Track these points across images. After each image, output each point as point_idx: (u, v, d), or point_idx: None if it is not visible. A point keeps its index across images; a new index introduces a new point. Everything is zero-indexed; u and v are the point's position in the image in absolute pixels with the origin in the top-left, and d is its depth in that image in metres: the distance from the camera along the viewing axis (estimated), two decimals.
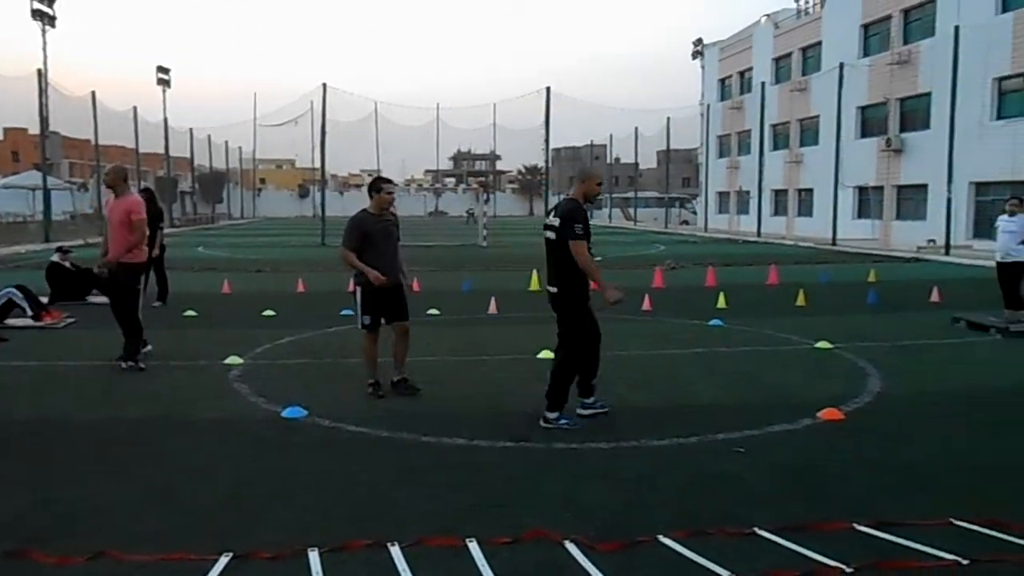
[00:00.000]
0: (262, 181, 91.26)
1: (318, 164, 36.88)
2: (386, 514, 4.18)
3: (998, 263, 10.22)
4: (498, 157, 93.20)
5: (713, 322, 10.72)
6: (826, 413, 6.02)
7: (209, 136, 61.55)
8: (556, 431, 5.62)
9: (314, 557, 3.61)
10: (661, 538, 3.80)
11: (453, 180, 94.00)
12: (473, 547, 3.71)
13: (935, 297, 12.92)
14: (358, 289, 6.55)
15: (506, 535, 3.83)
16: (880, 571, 3.45)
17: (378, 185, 6.70)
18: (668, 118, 48.40)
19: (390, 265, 6.53)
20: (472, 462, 5.04)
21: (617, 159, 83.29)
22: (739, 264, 21.06)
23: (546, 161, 39.49)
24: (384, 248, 6.53)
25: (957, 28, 25.33)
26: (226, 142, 66.90)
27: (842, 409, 6.17)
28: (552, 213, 5.93)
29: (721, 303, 12.30)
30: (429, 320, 11.30)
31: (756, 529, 3.90)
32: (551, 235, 5.79)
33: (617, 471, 4.84)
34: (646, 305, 12.36)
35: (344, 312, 11.73)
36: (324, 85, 32.93)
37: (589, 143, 73.46)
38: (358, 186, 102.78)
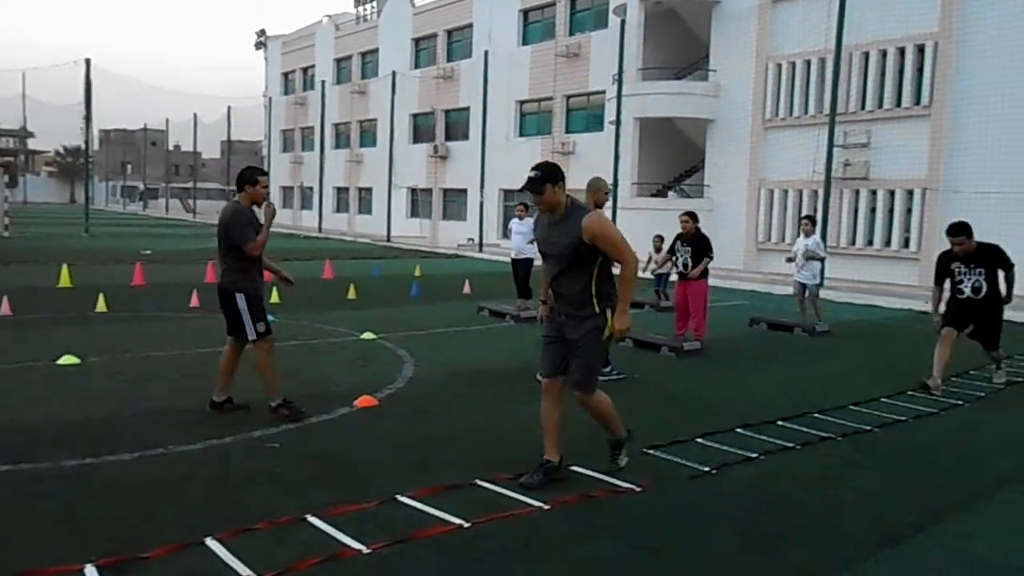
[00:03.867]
0: None
1: None
2: None
3: (512, 260, 11.91)
4: (30, 134, 79.87)
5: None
6: (362, 401, 6.34)
7: None
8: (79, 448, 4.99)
9: None
10: (175, 547, 3.60)
11: None
12: None
13: (467, 289, 14.54)
14: (242, 295, 5.75)
15: None
16: (394, 547, 3.72)
17: (253, 177, 5.82)
18: (229, 107, 46.53)
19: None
20: None
21: (177, 146, 77.32)
22: (298, 259, 21.11)
23: (86, 142, 34.78)
24: None
25: (487, 53, 28.91)
26: None
27: (377, 396, 6.56)
28: None
29: (275, 298, 12.21)
30: None
31: (286, 520, 3.93)
32: None
33: (135, 483, 4.46)
34: (193, 302, 11.71)
35: None
36: None
37: (143, 127, 67.12)
38: None
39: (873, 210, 20.41)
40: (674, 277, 10.49)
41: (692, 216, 9.42)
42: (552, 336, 4.66)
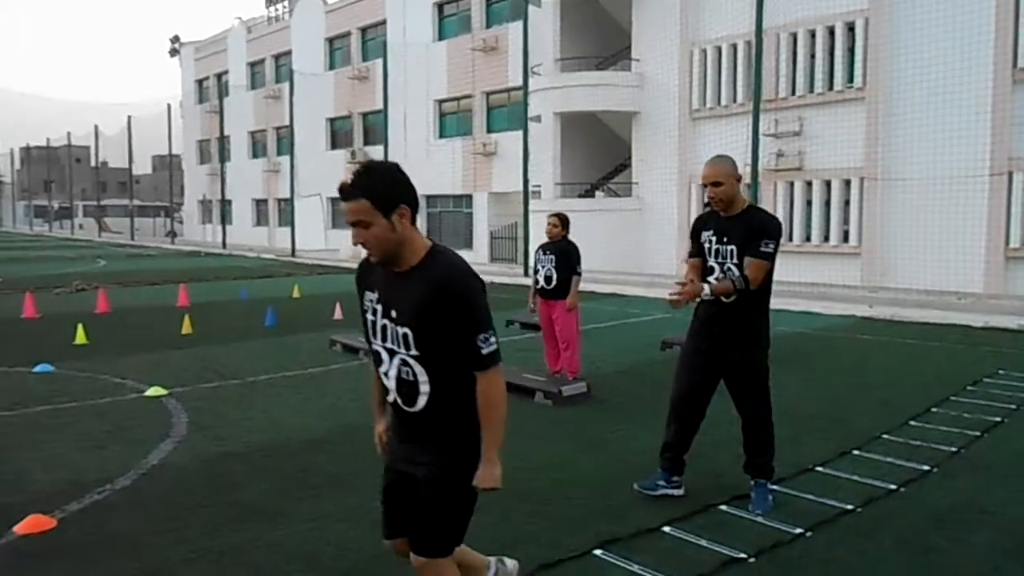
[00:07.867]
0: None
1: None
2: None
3: None
4: None
5: (39, 368, 8.19)
6: (28, 523, 4.09)
7: None
8: None
9: None
10: None
11: None
12: None
13: (338, 314, 12.27)
14: None
15: None
16: None
17: None
18: (129, 117, 43.38)
19: None
20: None
21: (104, 163, 73.97)
22: (165, 282, 18.43)
23: None
24: None
25: (384, 44, 27.03)
26: None
27: (60, 512, 4.28)
28: None
29: (80, 338, 9.83)
30: None
31: None
32: None
33: None
34: None
35: None
36: None
37: (67, 143, 63.01)
38: None
39: (809, 203, 18.76)
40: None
41: (562, 219, 7.39)
42: None
